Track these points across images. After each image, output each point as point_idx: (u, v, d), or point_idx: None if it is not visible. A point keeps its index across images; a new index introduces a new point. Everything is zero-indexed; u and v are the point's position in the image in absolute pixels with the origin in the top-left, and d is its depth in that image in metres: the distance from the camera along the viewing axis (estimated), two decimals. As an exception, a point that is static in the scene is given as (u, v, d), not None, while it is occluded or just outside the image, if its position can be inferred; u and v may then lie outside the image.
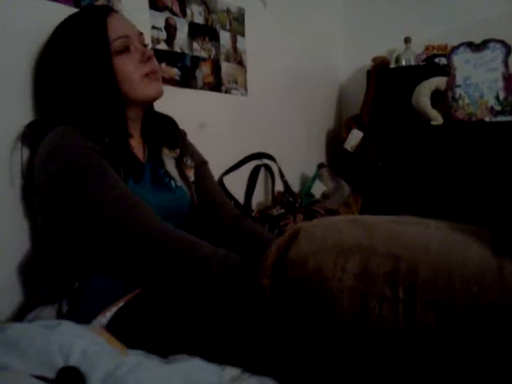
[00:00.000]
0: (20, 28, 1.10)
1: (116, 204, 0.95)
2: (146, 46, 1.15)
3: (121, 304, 0.96)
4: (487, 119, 1.97)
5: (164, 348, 0.84)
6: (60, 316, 0.95)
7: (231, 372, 0.72)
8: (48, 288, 0.99)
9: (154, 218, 0.97)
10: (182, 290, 0.92)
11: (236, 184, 1.85)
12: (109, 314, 0.96)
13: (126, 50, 1.09)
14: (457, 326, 0.67)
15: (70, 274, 0.99)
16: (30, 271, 1.07)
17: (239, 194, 1.87)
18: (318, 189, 2.02)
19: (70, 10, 1.18)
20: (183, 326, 0.88)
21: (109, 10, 1.12)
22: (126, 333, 0.90)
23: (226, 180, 1.79)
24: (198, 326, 0.86)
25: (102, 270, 1.00)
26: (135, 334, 0.90)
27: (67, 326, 0.70)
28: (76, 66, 1.06)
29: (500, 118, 1.94)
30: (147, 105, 1.17)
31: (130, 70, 1.09)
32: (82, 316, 0.95)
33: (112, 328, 0.93)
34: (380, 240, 0.74)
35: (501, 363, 0.66)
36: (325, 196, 2.00)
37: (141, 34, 1.16)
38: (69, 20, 1.11)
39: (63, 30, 1.10)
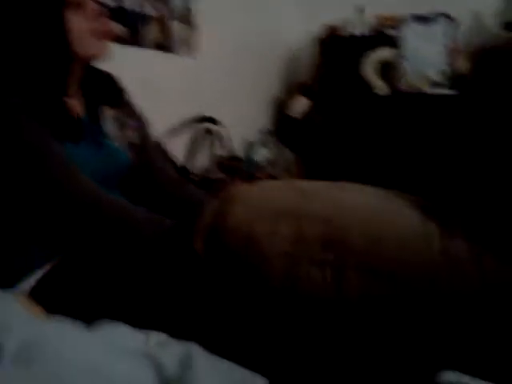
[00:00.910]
0: None
1: (50, 172, 0.93)
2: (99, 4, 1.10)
3: (48, 267, 0.95)
4: (429, 91, 2.02)
5: (89, 314, 0.83)
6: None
7: (156, 337, 0.72)
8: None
9: (84, 182, 0.95)
10: (114, 254, 0.91)
11: (178, 147, 1.83)
12: (35, 277, 0.94)
13: (78, 4, 1.04)
14: (385, 291, 0.69)
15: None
16: None
17: (181, 157, 1.85)
18: (261, 155, 2.02)
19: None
20: (109, 291, 0.87)
21: None
22: (51, 298, 0.89)
23: (168, 142, 1.77)
24: (124, 290, 0.86)
25: (30, 234, 0.97)
26: (60, 299, 0.89)
27: None
28: (21, 17, 1.01)
29: (440, 91, 1.99)
30: (90, 62, 1.13)
31: (81, 26, 1.04)
32: (7, 279, 0.93)
33: (36, 292, 0.91)
34: (315, 205, 0.75)
35: (431, 328, 0.69)
36: (268, 162, 2.00)
37: None
38: None
39: None
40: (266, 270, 0.73)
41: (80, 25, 1.03)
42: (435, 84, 2.04)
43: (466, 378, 0.64)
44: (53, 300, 0.87)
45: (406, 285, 0.69)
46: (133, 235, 0.91)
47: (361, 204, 0.76)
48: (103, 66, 1.18)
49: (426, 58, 2.06)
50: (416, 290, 0.68)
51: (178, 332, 0.78)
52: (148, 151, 1.26)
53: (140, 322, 0.79)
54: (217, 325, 0.79)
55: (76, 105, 1.13)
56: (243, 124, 2.29)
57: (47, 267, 0.94)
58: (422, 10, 2.09)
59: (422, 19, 2.09)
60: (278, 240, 0.72)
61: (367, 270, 0.69)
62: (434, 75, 2.04)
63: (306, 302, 0.72)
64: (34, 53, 1.01)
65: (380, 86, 2.05)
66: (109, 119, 1.18)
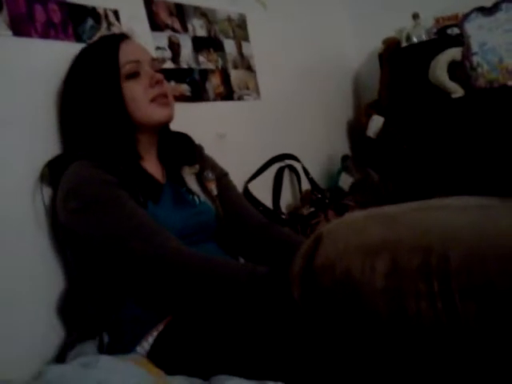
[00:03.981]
0: (30, 69, 1.13)
1: (135, 234, 0.95)
2: (159, 71, 1.15)
3: (161, 328, 0.97)
4: (510, 83, 1.89)
5: (205, 369, 0.83)
6: (102, 349, 0.96)
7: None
8: (86, 323, 1.00)
9: (174, 242, 0.97)
10: (215, 309, 0.91)
11: (262, 189, 1.84)
12: (151, 338, 0.97)
13: (135, 74, 1.09)
14: (500, 308, 0.63)
15: (105, 307, 1.00)
16: (67, 308, 1.08)
17: (267, 199, 1.86)
18: (345, 181, 1.98)
19: (73, 46, 1.20)
20: (220, 345, 0.87)
21: (123, 36, 1.14)
22: (168, 357, 0.91)
23: (252, 186, 1.78)
24: (234, 343, 0.86)
25: (136, 299, 1.00)
26: (176, 357, 0.91)
27: (105, 361, 0.70)
28: (88, 94, 1.08)
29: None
30: (158, 128, 1.17)
31: (138, 95, 1.09)
32: (124, 345, 0.96)
33: (154, 353, 0.94)
34: (405, 233, 0.71)
35: None
36: (353, 188, 1.96)
37: (154, 59, 1.17)
38: (84, 51, 1.14)
39: (78, 62, 1.13)
40: (369, 308, 0.70)
41: (136, 93, 1.08)
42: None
43: None
44: (170, 357, 0.90)
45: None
46: (229, 285, 0.91)
47: (452, 223, 0.71)
48: (175, 124, 1.23)
49: (498, 49, 1.95)
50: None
51: (288, 379, 0.76)
52: (232, 200, 1.28)
53: (253, 373, 0.78)
54: (325, 367, 0.77)
55: (156, 169, 1.17)
56: (321, 154, 2.28)
57: (160, 328, 0.97)
58: (484, 2, 1.99)
59: (484, 10, 1.99)
60: (375, 276, 0.69)
61: (478, 293, 0.64)
62: (512, 64, 1.92)
63: (419, 333, 0.68)
64: (100, 124, 1.08)
65: (455, 88, 1.96)
66: (190, 177, 1.22)
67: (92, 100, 1.08)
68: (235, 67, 1.88)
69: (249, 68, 1.94)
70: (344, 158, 2.15)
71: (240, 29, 1.93)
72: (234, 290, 0.90)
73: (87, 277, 1.03)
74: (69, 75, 1.14)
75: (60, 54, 1.17)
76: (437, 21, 2.24)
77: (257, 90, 1.96)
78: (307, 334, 0.78)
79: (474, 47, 1.99)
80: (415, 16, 2.21)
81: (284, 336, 0.81)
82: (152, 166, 1.17)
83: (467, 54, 1.99)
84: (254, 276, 0.90)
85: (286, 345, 0.81)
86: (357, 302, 0.70)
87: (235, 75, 1.87)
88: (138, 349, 0.97)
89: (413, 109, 2.10)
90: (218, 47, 1.82)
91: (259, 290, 0.87)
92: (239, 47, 1.91)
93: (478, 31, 1.99)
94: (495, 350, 0.64)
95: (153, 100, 1.10)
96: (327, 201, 1.74)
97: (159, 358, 0.92)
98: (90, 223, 0.97)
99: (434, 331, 0.66)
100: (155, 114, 1.11)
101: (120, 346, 0.96)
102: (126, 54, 1.09)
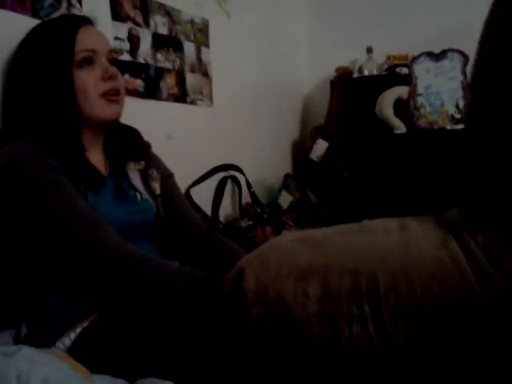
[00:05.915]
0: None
1: (74, 223, 0.91)
2: (113, 61, 1.11)
3: (85, 324, 0.93)
4: (448, 127, 2.01)
5: (131, 371, 0.81)
6: (18, 341, 0.90)
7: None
8: (4, 313, 0.94)
9: (113, 237, 0.94)
10: (148, 310, 0.89)
11: (203, 196, 1.83)
12: (73, 335, 0.92)
13: (89, 64, 1.05)
14: (428, 329, 0.66)
15: (27, 296, 0.94)
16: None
17: (206, 206, 1.85)
18: (285, 199, 2.02)
19: (28, 21, 1.15)
20: (150, 347, 0.85)
21: (84, 21, 1.09)
22: (91, 355, 0.87)
23: (193, 192, 1.77)
24: (164, 346, 0.84)
25: (62, 291, 0.96)
26: (101, 356, 0.87)
27: (26, 351, 0.66)
28: (36, 75, 1.03)
29: (461, 126, 1.98)
30: (104, 124, 1.12)
31: (89, 86, 1.04)
32: (44, 339, 0.91)
33: (76, 350, 0.89)
34: (333, 256, 0.72)
35: (477, 354, 0.65)
36: (292, 207, 1.99)
37: (112, 51, 1.13)
38: (40, 27, 1.09)
39: (31, 38, 1.07)
40: (304, 333, 0.70)
41: (87, 84, 1.04)
42: (454, 119, 2.03)
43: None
44: (94, 355, 0.86)
45: (448, 317, 0.65)
46: (166, 291, 0.89)
47: (377, 246, 0.72)
48: (124, 119, 1.20)
49: (441, 94, 2.07)
50: (460, 319, 0.65)
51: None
52: (174, 202, 1.27)
53: (181, 378, 0.77)
54: (257, 380, 0.76)
55: (99, 161, 1.14)
56: (265, 170, 2.30)
57: (84, 324, 0.93)
58: (433, 48, 2.11)
59: (434, 56, 2.11)
60: (310, 301, 0.69)
61: (407, 315, 0.66)
62: (452, 111, 2.04)
63: (354, 358, 0.69)
64: (46, 109, 1.03)
65: (398, 125, 2.05)
66: (134, 173, 1.19)
67: (39, 82, 1.03)
68: (192, 71, 1.87)
69: (205, 74, 1.94)
70: (286, 177, 2.19)
71: (201, 33, 1.93)
72: (170, 292, 0.88)
73: (11, 262, 0.97)
74: (20, 51, 1.08)
75: (13, 26, 1.11)
76: (388, 58, 2.34)
77: (210, 97, 1.96)
78: (240, 344, 0.77)
79: (420, 89, 2.10)
80: (369, 50, 2.29)
81: (215, 344, 0.80)
82: (95, 158, 1.13)
83: (413, 94, 2.09)
84: (192, 281, 0.88)
85: (217, 352, 0.80)
86: (291, 327, 0.70)
87: (191, 79, 1.86)
88: (58, 344, 0.92)
89: (357, 138, 2.17)
90: (178, 48, 1.81)
91: (195, 296, 0.85)
92: (198, 51, 1.91)
93: (425, 74, 2.10)
94: (427, 369, 0.67)
95: (103, 95, 1.06)
96: (266, 216, 1.76)
97: (81, 355, 0.87)
98: (24, 206, 0.91)
99: (367, 354, 0.67)
100: (102, 110, 1.06)
101: (39, 339, 0.91)
102: (83, 40, 1.05)
